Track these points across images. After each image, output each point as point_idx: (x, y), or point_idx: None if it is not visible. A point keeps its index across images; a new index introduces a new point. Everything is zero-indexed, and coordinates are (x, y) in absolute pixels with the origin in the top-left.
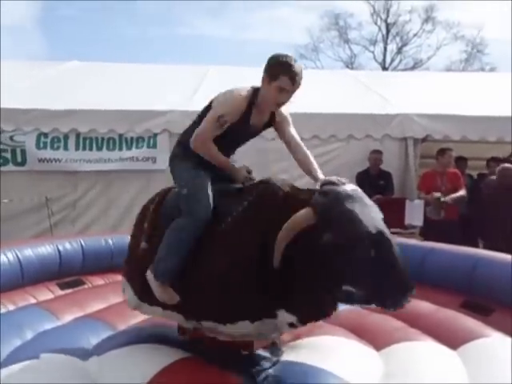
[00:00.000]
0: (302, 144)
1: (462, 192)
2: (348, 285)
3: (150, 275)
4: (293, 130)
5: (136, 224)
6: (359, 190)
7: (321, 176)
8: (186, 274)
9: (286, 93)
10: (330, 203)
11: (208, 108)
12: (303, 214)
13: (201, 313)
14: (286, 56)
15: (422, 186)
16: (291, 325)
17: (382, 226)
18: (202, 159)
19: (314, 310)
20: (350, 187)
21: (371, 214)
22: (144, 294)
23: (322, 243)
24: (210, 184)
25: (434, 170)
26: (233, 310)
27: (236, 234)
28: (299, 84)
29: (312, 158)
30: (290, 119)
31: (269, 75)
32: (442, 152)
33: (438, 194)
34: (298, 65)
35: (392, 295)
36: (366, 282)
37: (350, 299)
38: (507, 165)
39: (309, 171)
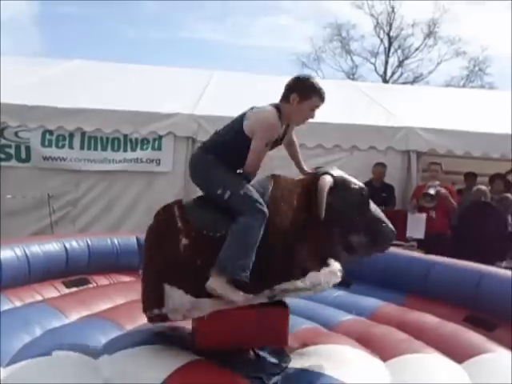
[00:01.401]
0: (295, 141)
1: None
2: (354, 234)
3: (217, 278)
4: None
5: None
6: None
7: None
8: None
9: (315, 110)
10: (334, 173)
11: (240, 120)
12: (326, 178)
13: (273, 279)
14: (312, 77)
15: (413, 199)
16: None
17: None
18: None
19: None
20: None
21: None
22: (202, 289)
23: (336, 201)
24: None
25: (425, 185)
26: (303, 265)
27: (276, 212)
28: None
29: (300, 154)
30: (293, 127)
31: (301, 95)
32: (428, 166)
33: (431, 191)
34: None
35: (385, 240)
36: (368, 230)
37: (354, 248)
38: (482, 187)
39: (298, 163)
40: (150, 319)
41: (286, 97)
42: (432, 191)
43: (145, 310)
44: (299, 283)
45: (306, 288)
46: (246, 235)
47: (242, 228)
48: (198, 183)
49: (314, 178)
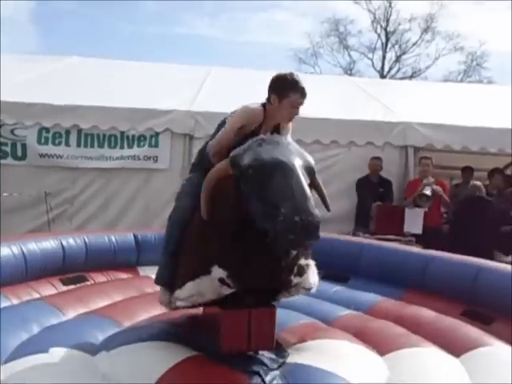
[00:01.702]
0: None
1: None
2: (255, 216)
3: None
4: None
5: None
6: (284, 139)
7: None
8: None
9: (297, 108)
10: (238, 150)
11: (223, 123)
12: (220, 164)
13: (174, 286)
14: (291, 73)
15: (406, 194)
16: (222, 281)
17: (275, 159)
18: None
19: (245, 265)
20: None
21: (271, 152)
22: None
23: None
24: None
25: (417, 179)
26: (182, 273)
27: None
28: (306, 96)
29: None
30: (290, 128)
31: (278, 95)
32: (419, 160)
33: (427, 192)
34: (300, 78)
35: (284, 230)
36: (270, 211)
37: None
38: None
39: None
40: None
41: (268, 98)
42: (428, 192)
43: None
44: (178, 293)
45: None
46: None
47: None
48: None
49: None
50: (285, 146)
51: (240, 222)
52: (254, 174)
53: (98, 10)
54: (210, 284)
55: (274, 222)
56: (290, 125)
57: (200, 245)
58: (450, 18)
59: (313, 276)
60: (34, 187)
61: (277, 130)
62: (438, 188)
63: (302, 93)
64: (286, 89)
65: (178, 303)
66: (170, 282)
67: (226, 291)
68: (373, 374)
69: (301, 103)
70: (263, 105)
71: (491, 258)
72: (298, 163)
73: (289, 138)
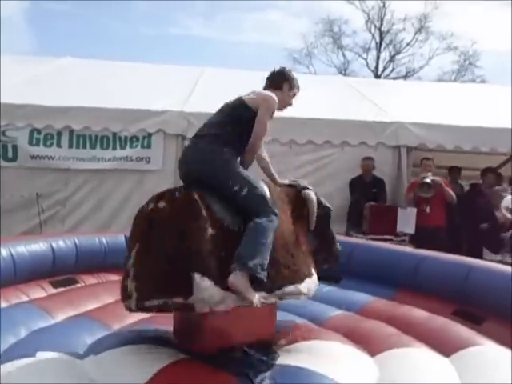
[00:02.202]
0: (266, 155)
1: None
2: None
3: (238, 275)
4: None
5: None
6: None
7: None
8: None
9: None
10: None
11: (239, 106)
12: (312, 193)
13: (282, 281)
14: (290, 69)
15: (408, 193)
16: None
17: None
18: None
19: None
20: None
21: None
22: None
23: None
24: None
25: (417, 180)
26: (301, 270)
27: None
28: None
29: (271, 165)
30: None
31: (290, 84)
32: (421, 162)
33: (428, 180)
34: None
35: (337, 259)
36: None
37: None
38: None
39: (270, 175)
40: (160, 307)
41: (278, 85)
42: (428, 180)
43: (148, 298)
44: (301, 287)
45: (304, 293)
46: (263, 235)
47: (260, 228)
48: (206, 176)
49: (297, 190)
50: None
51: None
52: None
53: (91, 11)
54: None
55: (336, 247)
56: None
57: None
58: (443, 17)
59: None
60: (26, 189)
61: None
62: (437, 179)
63: (299, 86)
64: (292, 82)
65: (296, 296)
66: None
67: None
68: (363, 374)
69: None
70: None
71: (480, 257)
72: None
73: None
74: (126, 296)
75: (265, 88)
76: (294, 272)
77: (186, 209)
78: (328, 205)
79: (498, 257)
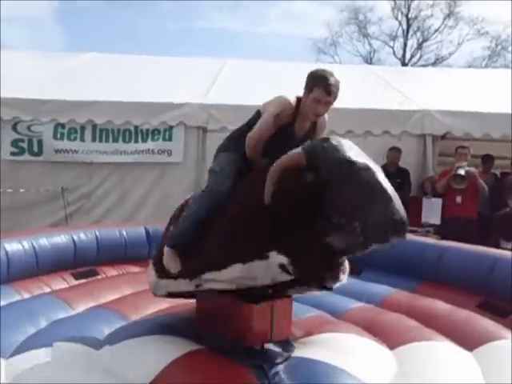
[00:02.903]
0: None
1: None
2: (337, 216)
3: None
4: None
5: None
6: (348, 141)
7: None
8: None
9: (322, 104)
10: (316, 143)
11: (257, 115)
12: (292, 153)
13: (200, 267)
14: (323, 70)
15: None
16: (283, 268)
17: (361, 160)
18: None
19: (307, 254)
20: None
21: (352, 152)
22: (162, 270)
23: (309, 181)
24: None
25: (451, 169)
26: (225, 255)
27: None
28: (336, 95)
29: None
30: (325, 127)
31: (306, 88)
32: (456, 150)
33: (461, 172)
34: (334, 77)
35: (379, 229)
36: (350, 213)
37: (342, 239)
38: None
39: None
40: None
41: (303, 92)
42: (462, 172)
43: None
44: (218, 274)
45: (229, 281)
46: (190, 209)
47: (192, 201)
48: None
49: None
50: (357, 149)
51: (306, 213)
52: (345, 170)
53: (119, 9)
54: (266, 269)
55: (366, 220)
56: (325, 123)
57: (252, 227)
58: (473, 2)
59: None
60: (51, 183)
61: (313, 127)
62: (472, 169)
63: (326, 89)
64: (312, 84)
65: (216, 285)
66: (183, 249)
67: (284, 278)
68: (380, 368)
69: (324, 100)
70: (298, 98)
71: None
72: (376, 165)
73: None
74: None
75: None
76: (218, 255)
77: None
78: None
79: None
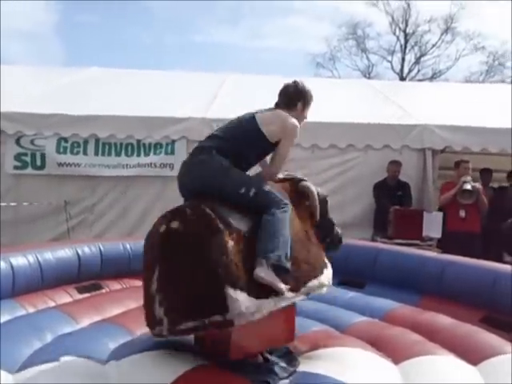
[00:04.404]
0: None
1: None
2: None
3: (264, 268)
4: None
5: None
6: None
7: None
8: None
9: None
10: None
11: (251, 123)
12: (311, 185)
13: (304, 276)
14: (304, 82)
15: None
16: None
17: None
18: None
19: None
20: None
21: None
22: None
23: None
24: None
25: (452, 182)
26: (319, 262)
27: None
28: None
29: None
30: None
31: (305, 102)
32: (457, 164)
33: (469, 187)
34: None
35: (340, 241)
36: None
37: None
38: None
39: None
40: (196, 329)
41: (292, 104)
42: (469, 186)
43: (181, 322)
44: (323, 279)
45: (326, 284)
46: (280, 226)
47: (276, 219)
48: (210, 186)
49: (293, 183)
50: None
51: None
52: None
53: (118, 23)
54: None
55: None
56: None
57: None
58: (470, 17)
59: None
60: (54, 196)
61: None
62: (477, 185)
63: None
64: (310, 99)
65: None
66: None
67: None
68: (385, 382)
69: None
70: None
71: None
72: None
73: None
74: (154, 323)
75: (277, 103)
76: (313, 265)
77: (202, 225)
78: (324, 193)
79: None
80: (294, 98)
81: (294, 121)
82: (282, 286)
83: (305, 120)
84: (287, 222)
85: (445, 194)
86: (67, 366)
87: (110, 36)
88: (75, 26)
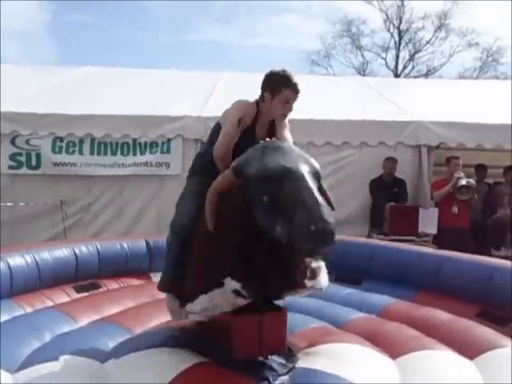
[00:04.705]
0: (286, 139)
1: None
2: (266, 226)
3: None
4: (286, 134)
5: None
6: (285, 143)
7: None
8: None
9: (291, 104)
10: (241, 158)
11: (218, 127)
12: (223, 174)
13: (182, 299)
14: (285, 70)
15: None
16: (237, 293)
17: (281, 167)
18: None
19: (258, 277)
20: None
21: (275, 158)
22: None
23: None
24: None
25: (444, 179)
26: (192, 286)
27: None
28: (299, 92)
29: None
30: (287, 124)
31: (271, 91)
32: (448, 160)
33: (463, 182)
34: (294, 74)
35: (300, 239)
36: (282, 220)
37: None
38: None
39: None
40: None
41: (261, 96)
42: (464, 182)
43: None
44: (190, 306)
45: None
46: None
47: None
48: None
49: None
50: (289, 152)
51: (248, 232)
52: (262, 183)
53: (110, 21)
54: (224, 296)
55: (288, 231)
56: (287, 122)
57: (209, 256)
58: (463, 14)
59: (324, 277)
60: (50, 196)
61: (272, 126)
62: (471, 181)
63: (294, 88)
64: (278, 85)
65: (192, 316)
66: (172, 290)
67: (242, 302)
68: (383, 377)
69: (293, 99)
70: (256, 102)
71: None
72: (305, 169)
73: (290, 142)
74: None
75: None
76: (187, 289)
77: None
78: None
79: (502, 252)
80: (261, 87)
81: (233, 106)
82: (169, 305)
83: (285, 111)
84: (168, 248)
85: (439, 191)
86: (66, 366)
87: (104, 35)
88: (68, 24)
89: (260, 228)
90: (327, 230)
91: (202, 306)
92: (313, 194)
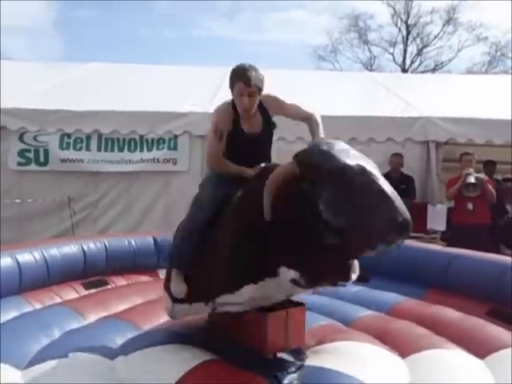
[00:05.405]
0: (309, 114)
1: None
2: (336, 222)
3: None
4: (293, 106)
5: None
6: (342, 142)
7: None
8: (197, 263)
9: (247, 96)
10: (306, 150)
11: None
12: (285, 164)
13: (213, 290)
14: (241, 64)
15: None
16: (294, 282)
17: (355, 163)
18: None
19: (316, 264)
20: (334, 140)
21: (344, 155)
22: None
23: (303, 190)
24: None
25: (458, 176)
26: (236, 276)
27: (233, 210)
28: (258, 85)
29: (319, 127)
30: (280, 99)
31: (230, 87)
32: (460, 157)
33: (472, 180)
34: (254, 69)
35: (384, 231)
36: (350, 218)
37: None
38: None
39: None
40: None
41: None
42: (472, 179)
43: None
44: (232, 297)
45: (243, 303)
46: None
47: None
48: None
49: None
50: (350, 149)
51: (308, 222)
52: (338, 178)
53: (116, 17)
54: (278, 286)
55: (369, 223)
56: (280, 98)
57: (253, 246)
58: (472, 8)
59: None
60: (57, 192)
61: (268, 119)
62: (481, 176)
63: (245, 81)
64: (232, 79)
65: (231, 307)
66: (187, 271)
67: (298, 292)
68: (393, 376)
69: (246, 92)
70: (232, 101)
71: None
72: (373, 165)
73: (295, 106)
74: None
75: None
76: (229, 277)
77: None
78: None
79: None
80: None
81: (216, 108)
82: (176, 288)
83: (243, 104)
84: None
85: (450, 189)
86: (75, 362)
87: (110, 31)
88: (74, 20)
89: (319, 219)
90: (409, 220)
91: (252, 295)
92: (390, 187)
